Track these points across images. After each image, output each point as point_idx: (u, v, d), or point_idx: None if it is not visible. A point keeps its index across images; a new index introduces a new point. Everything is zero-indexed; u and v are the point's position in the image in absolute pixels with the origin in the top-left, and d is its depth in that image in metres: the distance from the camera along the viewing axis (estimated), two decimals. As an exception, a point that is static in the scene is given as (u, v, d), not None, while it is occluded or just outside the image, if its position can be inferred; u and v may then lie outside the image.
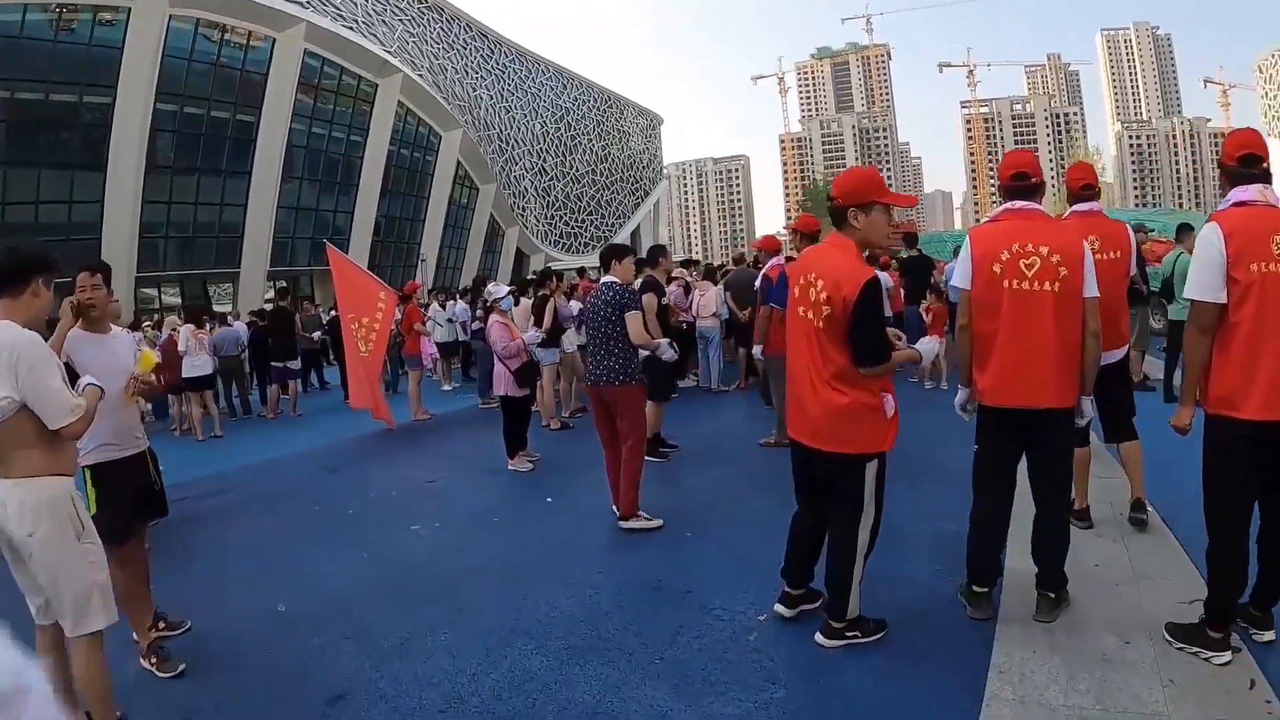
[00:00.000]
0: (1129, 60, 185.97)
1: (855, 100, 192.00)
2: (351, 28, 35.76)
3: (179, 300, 30.35)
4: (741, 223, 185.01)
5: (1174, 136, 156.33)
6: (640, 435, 5.28)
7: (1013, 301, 3.33)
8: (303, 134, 35.02)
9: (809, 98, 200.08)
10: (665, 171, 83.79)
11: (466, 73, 46.89)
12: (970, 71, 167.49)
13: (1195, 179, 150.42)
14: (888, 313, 5.38)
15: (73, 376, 3.07)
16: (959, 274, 3.49)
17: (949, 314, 8.21)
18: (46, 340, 2.90)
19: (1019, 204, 3.48)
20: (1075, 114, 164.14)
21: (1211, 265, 2.98)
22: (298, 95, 33.79)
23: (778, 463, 6.69)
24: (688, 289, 11.55)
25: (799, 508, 3.64)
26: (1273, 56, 62.25)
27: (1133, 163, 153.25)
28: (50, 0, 25.50)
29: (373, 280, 10.32)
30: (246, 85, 32.10)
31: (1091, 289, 3.34)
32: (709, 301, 11.15)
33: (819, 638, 3.40)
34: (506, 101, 51.76)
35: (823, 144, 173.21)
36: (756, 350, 7.07)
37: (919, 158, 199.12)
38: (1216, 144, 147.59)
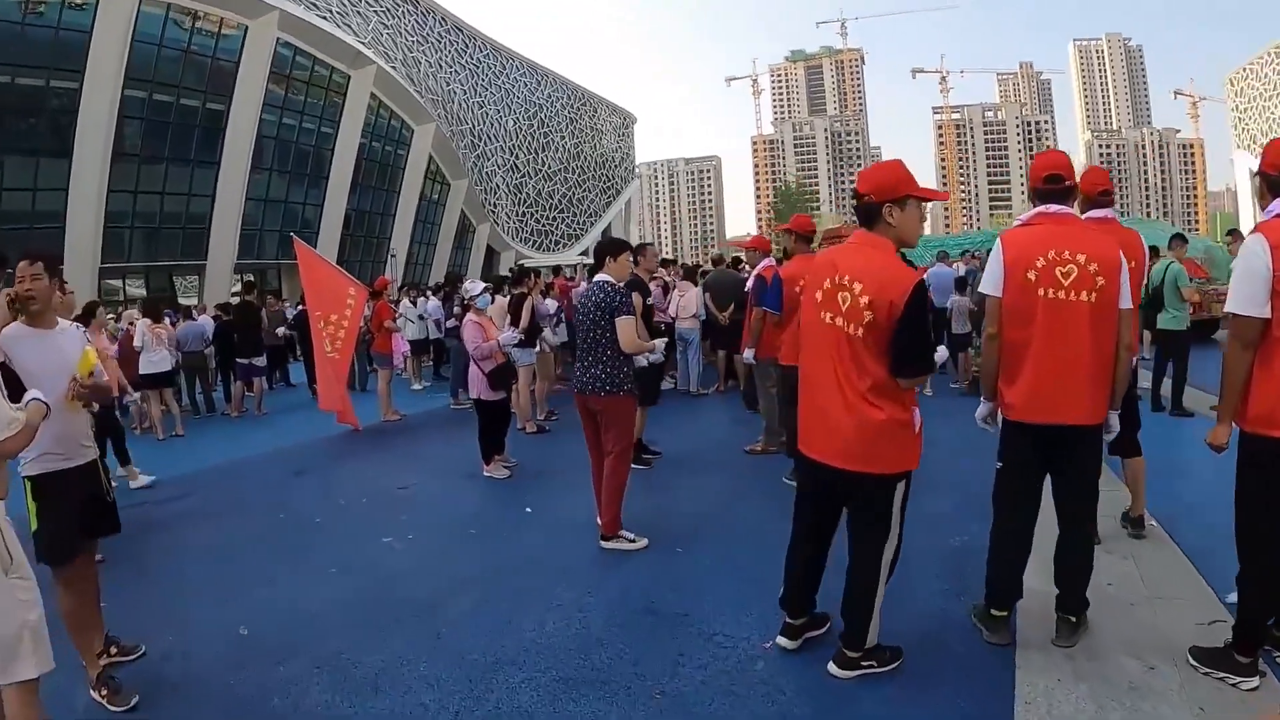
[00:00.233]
0: (1100, 70, 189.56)
1: (828, 104, 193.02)
2: (325, 17, 35.19)
3: (144, 292, 29.74)
4: (712, 223, 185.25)
5: (1143, 147, 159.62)
6: (626, 449, 4.94)
7: (1047, 311, 3.13)
8: (273, 124, 34.53)
9: (782, 100, 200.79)
10: (637, 171, 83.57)
11: (440, 66, 46.43)
12: (943, 78, 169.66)
13: (1163, 189, 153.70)
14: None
15: (12, 382, 2.75)
16: (989, 280, 3.28)
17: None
18: None
19: (1053, 208, 3.28)
20: (1046, 122, 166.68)
21: (1256, 278, 2.82)
22: (269, 85, 33.32)
23: (766, 470, 6.54)
24: (666, 289, 11.33)
25: (797, 536, 3.36)
26: (1244, 70, 63.35)
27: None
28: (19, -18, 24.80)
29: (342, 275, 9.97)
30: (217, 73, 31.55)
31: (1127, 300, 3.18)
32: (689, 302, 10.94)
33: (832, 668, 3.17)
34: (480, 96, 51.34)
35: (795, 146, 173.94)
36: (748, 354, 6.77)
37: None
38: (1186, 154, 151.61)
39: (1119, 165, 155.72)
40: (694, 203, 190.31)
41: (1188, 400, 8.07)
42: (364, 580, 4.59)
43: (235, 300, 15.50)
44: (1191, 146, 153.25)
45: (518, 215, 56.27)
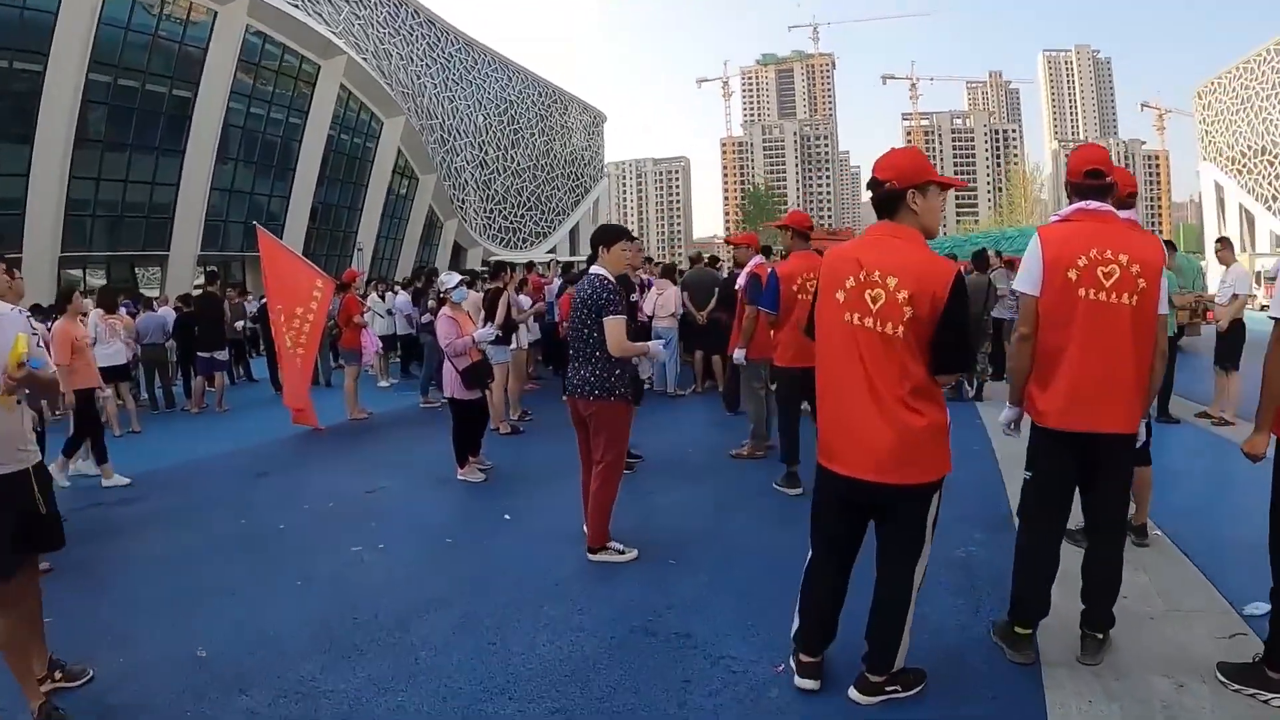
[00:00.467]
0: (1069, 81, 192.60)
1: (798, 107, 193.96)
2: (296, 5, 34.34)
3: (105, 282, 28.77)
4: (680, 224, 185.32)
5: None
6: (616, 458, 4.58)
7: (1088, 314, 2.93)
8: (240, 114, 33.57)
9: (752, 103, 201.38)
10: (606, 170, 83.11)
11: (411, 59, 45.65)
12: (913, 84, 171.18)
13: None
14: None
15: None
16: (1025, 278, 3.07)
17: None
18: None
19: (1093, 204, 3.08)
20: (1014, 131, 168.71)
21: None
22: (237, 73, 32.36)
23: (754, 476, 6.31)
24: (642, 287, 11.07)
25: (818, 562, 3.01)
26: (1213, 84, 64.49)
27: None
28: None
29: (308, 267, 9.57)
30: (185, 60, 30.54)
31: (1164, 305, 3.00)
32: (667, 301, 10.71)
33: (855, 694, 2.92)
34: (450, 91, 50.59)
35: (764, 149, 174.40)
36: (739, 355, 6.45)
37: (858, 166, 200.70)
38: (1151, 166, 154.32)
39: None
40: (662, 203, 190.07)
41: (1173, 408, 8.05)
42: (332, 595, 4.23)
43: (198, 292, 14.97)
44: (1157, 158, 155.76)
45: (485, 212, 55.58)
